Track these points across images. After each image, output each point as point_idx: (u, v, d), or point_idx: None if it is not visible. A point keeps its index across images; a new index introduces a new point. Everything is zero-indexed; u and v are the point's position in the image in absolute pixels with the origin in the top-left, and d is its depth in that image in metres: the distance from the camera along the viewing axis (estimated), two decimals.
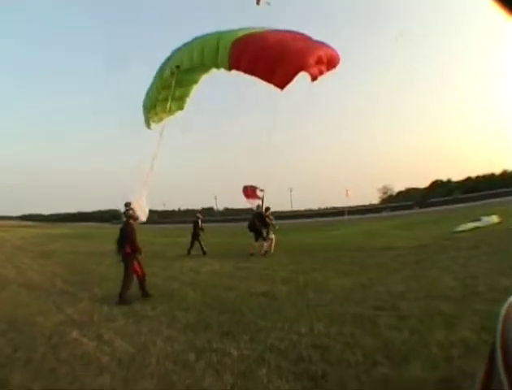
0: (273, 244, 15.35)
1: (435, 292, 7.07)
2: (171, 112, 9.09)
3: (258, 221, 15.23)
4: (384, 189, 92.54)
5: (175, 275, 11.43)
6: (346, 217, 41.44)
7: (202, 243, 16.74)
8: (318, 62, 6.94)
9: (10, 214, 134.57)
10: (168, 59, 8.67)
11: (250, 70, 6.92)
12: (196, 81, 9.12)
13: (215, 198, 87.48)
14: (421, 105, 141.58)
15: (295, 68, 6.59)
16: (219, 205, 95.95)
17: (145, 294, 8.35)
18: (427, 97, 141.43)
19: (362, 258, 12.59)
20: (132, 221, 8.33)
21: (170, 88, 8.62)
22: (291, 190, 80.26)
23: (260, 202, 15.85)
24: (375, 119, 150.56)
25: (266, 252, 14.92)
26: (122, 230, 8.38)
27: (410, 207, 61.12)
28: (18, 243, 29.49)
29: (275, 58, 6.61)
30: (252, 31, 7.34)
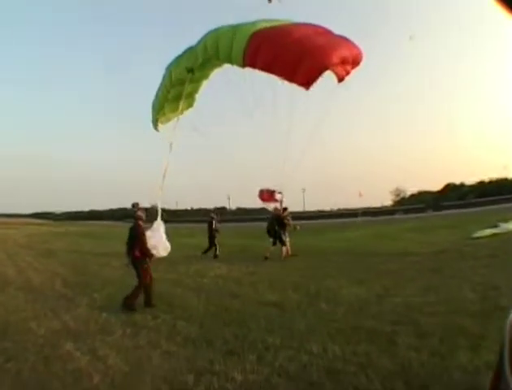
0: (287, 248, 14.93)
1: (455, 306, 6.60)
2: (181, 111, 8.75)
3: (278, 224, 14.77)
4: (397, 191, 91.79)
5: (180, 279, 11.03)
6: (359, 218, 40.85)
7: (218, 246, 16.13)
8: (344, 61, 6.49)
9: (22, 212, 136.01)
10: (179, 58, 8.28)
11: (268, 67, 6.48)
12: (207, 77, 8.73)
13: (228, 198, 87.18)
14: (434, 107, 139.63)
15: (320, 67, 6.16)
16: (232, 205, 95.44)
17: (147, 303, 7.81)
18: (440, 99, 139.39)
19: (376, 264, 12.16)
20: (140, 222, 7.85)
21: (180, 86, 8.30)
22: (304, 190, 79.38)
23: (278, 205, 15.30)
24: (387, 120, 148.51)
25: (286, 256, 14.55)
26: (131, 230, 7.90)
27: (422, 210, 60.28)
28: (22, 241, 29.64)
29: (297, 55, 6.17)
30: (272, 24, 6.81)
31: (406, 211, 62.48)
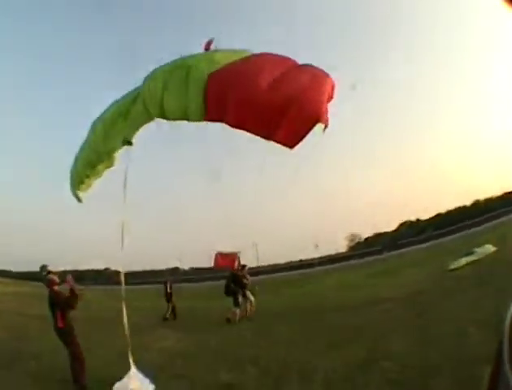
0: (251, 308, 14.03)
1: (465, 361, 5.11)
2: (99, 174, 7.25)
3: (234, 283, 13.91)
4: (352, 237, 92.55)
5: (117, 352, 8.60)
6: (317, 268, 40.29)
7: (170, 308, 15.79)
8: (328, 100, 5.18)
9: None
10: (110, 114, 6.40)
11: (239, 123, 5.01)
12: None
13: (179, 259, 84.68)
14: (380, 148, 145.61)
15: (309, 121, 4.76)
16: (185, 265, 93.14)
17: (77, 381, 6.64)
18: (387, 140, 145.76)
19: (348, 320, 10.70)
20: (56, 287, 6.92)
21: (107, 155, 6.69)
22: (256, 245, 77.93)
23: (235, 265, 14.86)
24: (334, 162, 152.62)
25: (241, 317, 13.58)
26: (49, 299, 6.94)
27: (379, 252, 60.62)
28: None
29: (277, 105, 4.71)
30: (230, 58, 5.25)
31: (362, 255, 62.59)
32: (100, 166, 7.02)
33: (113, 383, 6.53)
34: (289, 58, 5.46)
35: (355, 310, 12.36)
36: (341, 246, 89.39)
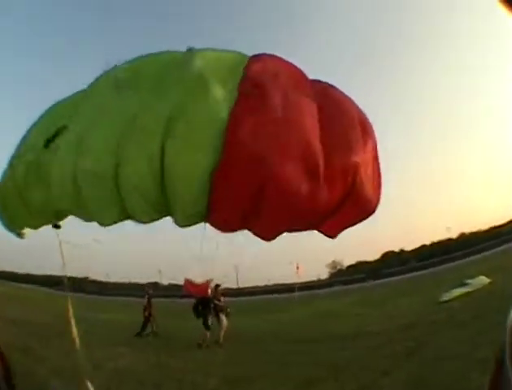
0: (222, 332, 13.02)
1: None
2: None
3: (201, 305, 13.17)
4: (333, 264, 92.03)
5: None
6: (297, 294, 39.01)
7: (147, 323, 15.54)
8: None
9: None
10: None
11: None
12: None
13: (159, 272, 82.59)
14: None
15: (362, 217, 3.52)
16: (164, 281, 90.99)
17: None
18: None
19: (328, 353, 9.69)
20: None
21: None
22: (236, 267, 76.78)
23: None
24: None
25: (213, 341, 12.69)
26: None
27: (362, 280, 60.18)
28: None
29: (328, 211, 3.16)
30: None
31: (345, 283, 62.19)
32: None
33: None
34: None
35: (335, 342, 11.49)
36: (323, 273, 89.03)
